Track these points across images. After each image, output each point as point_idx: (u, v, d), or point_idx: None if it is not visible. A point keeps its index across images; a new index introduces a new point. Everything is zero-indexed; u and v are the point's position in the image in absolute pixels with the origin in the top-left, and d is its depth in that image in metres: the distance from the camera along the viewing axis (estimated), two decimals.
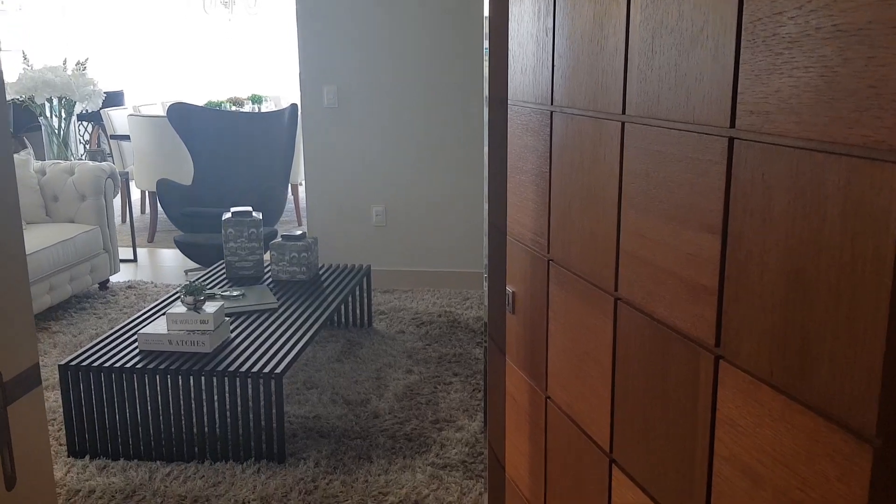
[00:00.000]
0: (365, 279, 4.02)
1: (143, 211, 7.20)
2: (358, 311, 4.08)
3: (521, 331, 1.57)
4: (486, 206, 1.64)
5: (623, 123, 1.14)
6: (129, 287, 4.86)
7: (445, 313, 4.30)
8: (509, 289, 1.61)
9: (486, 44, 1.53)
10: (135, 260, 5.61)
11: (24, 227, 4.43)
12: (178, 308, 2.95)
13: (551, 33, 1.35)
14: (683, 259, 1.01)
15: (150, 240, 6.17)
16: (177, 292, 3.44)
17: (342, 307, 4.06)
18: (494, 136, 1.50)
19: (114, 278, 5.05)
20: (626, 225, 1.15)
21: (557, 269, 1.39)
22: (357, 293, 4.06)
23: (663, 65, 1.04)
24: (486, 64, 1.55)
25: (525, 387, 1.55)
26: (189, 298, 2.93)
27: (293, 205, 7.00)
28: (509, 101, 1.51)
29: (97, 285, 4.84)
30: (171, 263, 5.52)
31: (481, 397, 3.26)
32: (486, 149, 1.59)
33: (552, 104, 1.37)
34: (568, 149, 1.32)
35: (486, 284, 1.68)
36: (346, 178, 4.74)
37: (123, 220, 6.82)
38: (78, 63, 5.50)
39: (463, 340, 3.90)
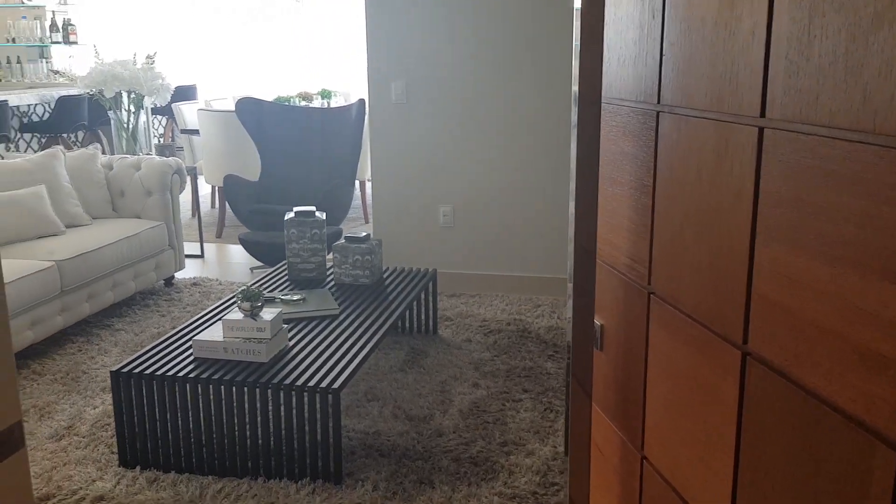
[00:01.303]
0: (431, 284, 3.81)
1: (213, 206, 7.17)
2: (423, 317, 3.87)
3: (610, 372, 1.32)
4: (571, 221, 1.40)
5: (761, 129, 0.89)
6: (194, 284, 4.77)
7: (515, 321, 4.06)
8: (597, 321, 1.36)
9: (576, 31, 1.28)
10: (202, 256, 5.54)
11: (90, 222, 4.38)
12: (235, 314, 2.80)
13: (659, 16, 1.10)
14: (853, 316, 0.76)
15: (219, 235, 6.12)
16: (234, 297, 3.30)
17: (406, 312, 3.87)
18: (584, 140, 1.26)
19: (179, 275, 4.98)
20: (761, 261, 0.90)
21: (661, 306, 1.14)
22: (422, 298, 3.86)
23: (826, 53, 0.78)
24: (575, 54, 1.31)
25: (616, 441, 1.31)
26: (246, 304, 2.77)
27: (360, 201, 6.86)
28: (603, 99, 1.26)
29: (162, 282, 4.77)
30: (237, 260, 5.44)
31: (553, 419, 3.01)
32: (573, 154, 1.35)
33: (659, 102, 1.12)
34: (679, 158, 1.07)
35: (569, 311, 1.44)
36: (414, 177, 4.54)
37: (193, 215, 6.80)
38: (147, 57, 5.46)
39: (534, 353, 3.65)
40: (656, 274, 1.16)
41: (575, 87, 1.34)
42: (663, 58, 1.10)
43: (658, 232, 1.14)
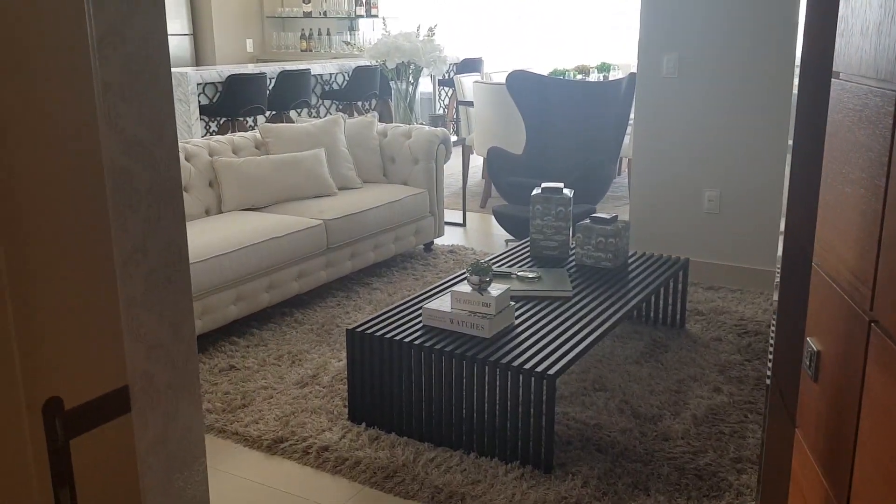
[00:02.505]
0: (681, 273, 3.54)
1: (483, 177, 7.34)
2: (670, 308, 3.61)
3: (823, 410, 1.08)
4: (783, 216, 1.16)
5: None
6: (451, 251, 4.92)
7: None
8: (814, 345, 1.12)
9: None
10: (464, 224, 5.70)
11: (361, 185, 4.67)
12: (464, 286, 2.81)
13: None
14: None
15: (482, 206, 6.26)
16: (464, 272, 3.33)
17: (652, 300, 3.64)
18: (805, 123, 1.02)
19: (438, 241, 5.16)
20: None
21: (882, 342, 0.89)
22: (671, 287, 3.60)
23: None
24: (801, 14, 1.06)
25: (818, 488, 1.07)
26: (475, 278, 2.77)
27: (627, 180, 6.60)
28: (838, 75, 1.01)
29: (421, 246, 4.98)
30: (496, 231, 5.52)
31: None
32: (790, 137, 1.11)
33: None
34: None
35: (773, 323, 1.20)
36: (678, 157, 4.23)
37: (464, 184, 7.02)
38: (429, 29, 5.67)
39: None
40: (881, 300, 0.91)
41: (798, 54, 1.09)
42: None
43: (886, 247, 0.89)
